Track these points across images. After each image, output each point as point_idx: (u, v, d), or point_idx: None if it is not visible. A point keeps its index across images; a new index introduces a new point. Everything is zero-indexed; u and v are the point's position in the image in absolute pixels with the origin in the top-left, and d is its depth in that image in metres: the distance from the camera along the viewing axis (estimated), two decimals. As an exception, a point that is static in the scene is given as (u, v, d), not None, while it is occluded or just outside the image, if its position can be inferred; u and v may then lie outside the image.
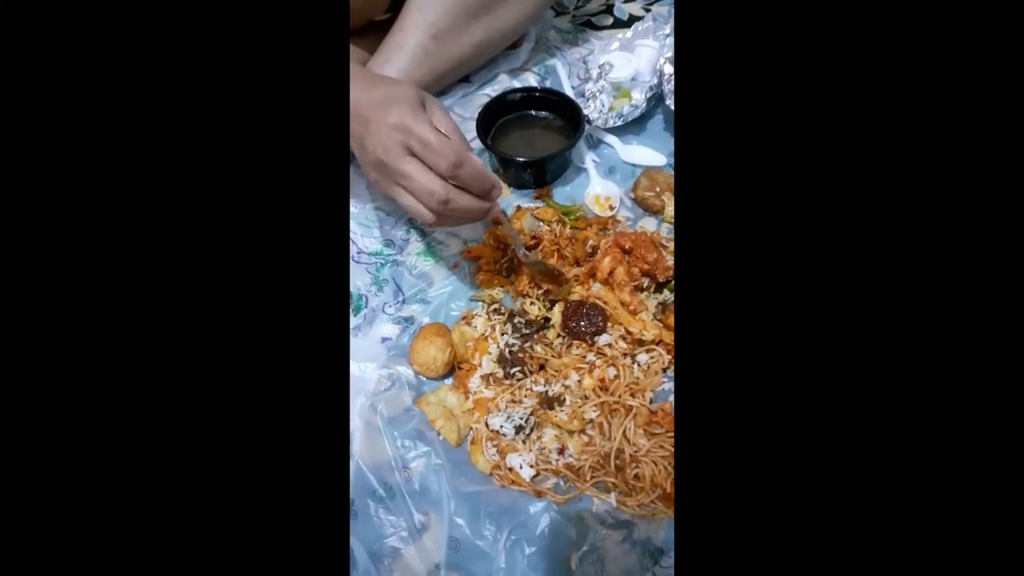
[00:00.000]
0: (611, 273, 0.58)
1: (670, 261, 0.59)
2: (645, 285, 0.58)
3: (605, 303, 0.57)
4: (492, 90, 0.79)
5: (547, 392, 0.53)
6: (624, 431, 0.50)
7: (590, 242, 0.62)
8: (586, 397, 0.53)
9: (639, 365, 0.54)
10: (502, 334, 0.57)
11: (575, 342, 0.56)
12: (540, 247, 0.64)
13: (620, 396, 0.52)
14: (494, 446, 0.52)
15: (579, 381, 0.53)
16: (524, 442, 0.52)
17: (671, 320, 0.56)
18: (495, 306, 0.59)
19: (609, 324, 0.56)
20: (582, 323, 0.55)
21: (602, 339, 0.55)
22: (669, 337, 0.55)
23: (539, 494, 0.49)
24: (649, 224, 0.67)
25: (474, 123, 0.69)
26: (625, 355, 0.54)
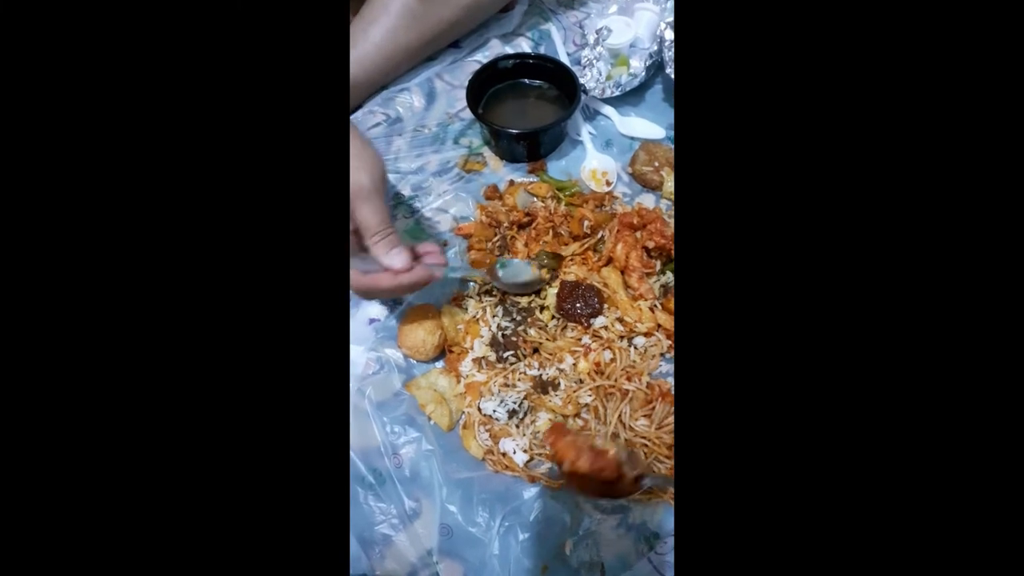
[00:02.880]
0: (626, 259, 0.56)
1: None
2: (658, 269, 0.56)
3: (605, 285, 0.55)
4: (483, 56, 0.74)
5: (541, 376, 0.52)
6: (620, 415, 0.49)
7: (587, 222, 0.60)
8: (581, 381, 0.51)
9: (636, 348, 0.53)
10: (494, 316, 0.55)
11: (570, 324, 0.54)
12: (535, 224, 0.61)
13: (616, 380, 0.50)
14: (487, 431, 0.51)
15: (574, 364, 0.52)
16: (518, 427, 0.51)
17: (672, 304, 0.54)
18: (487, 287, 0.57)
19: (606, 307, 0.54)
20: (578, 304, 0.53)
21: (598, 321, 0.53)
22: (668, 323, 0.53)
23: (533, 479, 0.48)
24: (647, 200, 0.64)
25: (464, 91, 0.66)
26: (622, 338, 0.53)
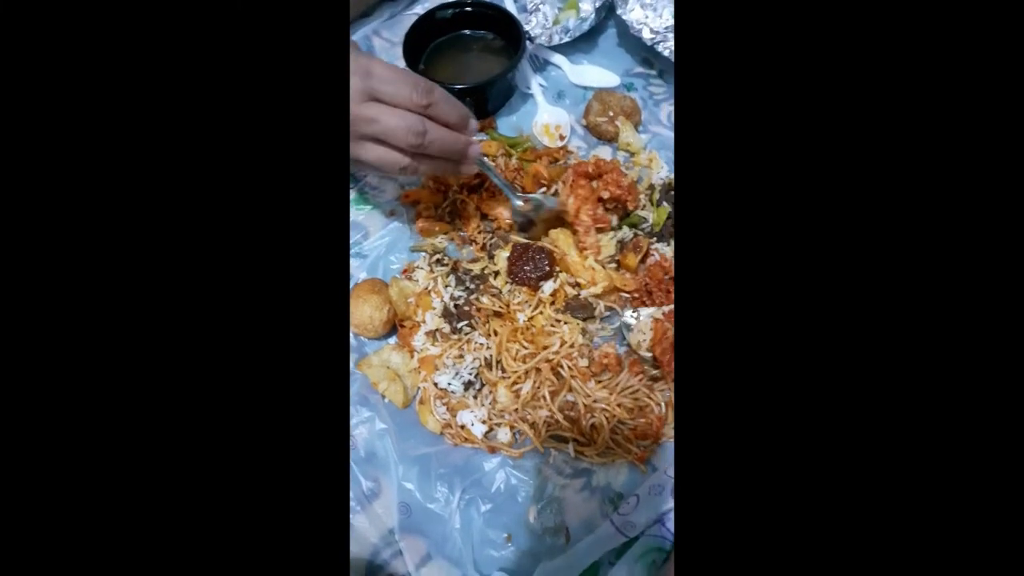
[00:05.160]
0: (576, 212, 0.53)
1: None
2: (614, 224, 0.54)
3: (556, 246, 0.52)
4: (422, 8, 0.69)
5: (488, 356, 0.49)
6: (570, 388, 0.47)
7: (543, 183, 0.57)
8: (526, 361, 0.49)
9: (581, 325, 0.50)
10: (446, 287, 0.52)
11: (518, 289, 0.51)
12: (486, 185, 0.58)
13: (547, 370, 0.48)
14: (444, 404, 0.49)
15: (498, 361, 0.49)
16: (475, 397, 0.49)
17: (629, 260, 0.52)
18: (437, 256, 0.54)
19: (557, 269, 0.51)
20: (527, 267, 0.51)
21: (547, 286, 0.51)
22: (621, 282, 0.51)
23: (493, 450, 0.47)
24: (604, 153, 0.61)
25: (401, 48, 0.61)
26: (559, 322, 0.50)
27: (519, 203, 0.51)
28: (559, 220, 0.53)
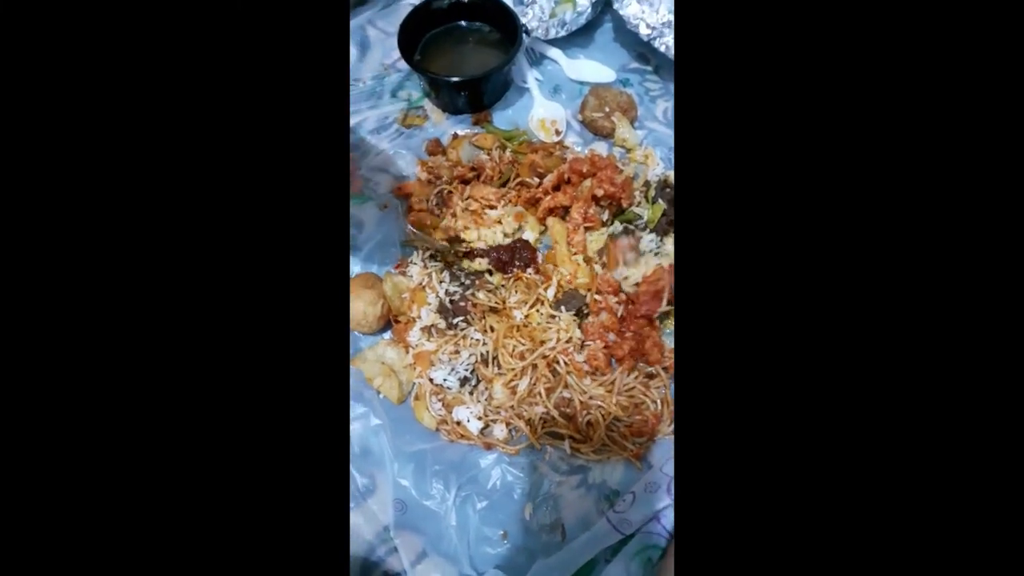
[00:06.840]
0: (566, 211, 0.53)
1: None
2: (606, 219, 0.53)
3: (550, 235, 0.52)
4: (418, -2, 0.68)
5: (484, 352, 0.49)
6: (565, 384, 0.47)
7: (539, 172, 0.56)
8: (523, 357, 0.48)
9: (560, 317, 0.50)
10: (441, 282, 0.52)
11: (514, 289, 0.51)
12: (482, 178, 0.57)
13: (544, 366, 0.48)
14: (439, 400, 0.48)
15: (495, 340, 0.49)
16: (471, 394, 0.49)
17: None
18: (431, 252, 0.54)
19: (549, 266, 0.51)
20: (515, 259, 0.51)
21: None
22: (602, 281, 0.51)
23: (489, 446, 0.47)
24: (600, 148, 0.61)
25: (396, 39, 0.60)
26: (552, 314, 0.50)
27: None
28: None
